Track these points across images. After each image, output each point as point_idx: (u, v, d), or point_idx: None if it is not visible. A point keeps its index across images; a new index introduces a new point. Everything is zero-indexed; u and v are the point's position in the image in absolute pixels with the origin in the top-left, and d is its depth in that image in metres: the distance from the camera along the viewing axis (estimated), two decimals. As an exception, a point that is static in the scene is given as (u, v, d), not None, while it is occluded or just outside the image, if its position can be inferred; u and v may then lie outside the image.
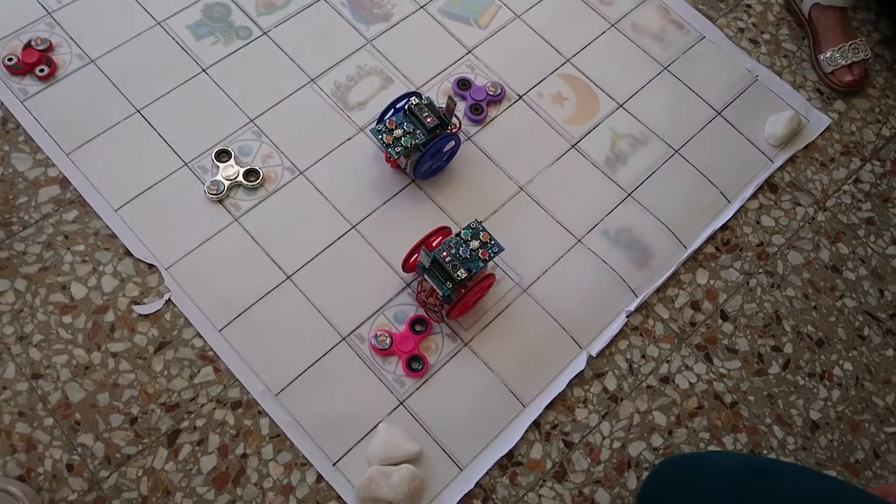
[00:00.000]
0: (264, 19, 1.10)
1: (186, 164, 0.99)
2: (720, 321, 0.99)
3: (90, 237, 0.94)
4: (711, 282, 1.01)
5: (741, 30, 1.21)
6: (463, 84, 1.09)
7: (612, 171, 1.06)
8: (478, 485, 0.86)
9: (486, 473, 0.86)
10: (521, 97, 1.10)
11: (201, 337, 0.90)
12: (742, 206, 1.06)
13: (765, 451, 0.92)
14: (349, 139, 1.04)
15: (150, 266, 0.93)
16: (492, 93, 1.08)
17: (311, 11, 1.12)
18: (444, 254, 0.88)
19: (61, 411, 0.84)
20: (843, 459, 0.93)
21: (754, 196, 1.07)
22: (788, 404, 0.95)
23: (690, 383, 0.95)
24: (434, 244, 0.92)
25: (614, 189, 1.05)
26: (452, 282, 0.87)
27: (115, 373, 0.87)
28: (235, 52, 1.07)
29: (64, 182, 0.97)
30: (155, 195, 0.97)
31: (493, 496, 0.86)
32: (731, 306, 1.00)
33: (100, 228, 0.94)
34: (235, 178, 0.98)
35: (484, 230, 0.90)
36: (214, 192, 0.97)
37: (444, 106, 0.97)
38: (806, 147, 1.12)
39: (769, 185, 1.09)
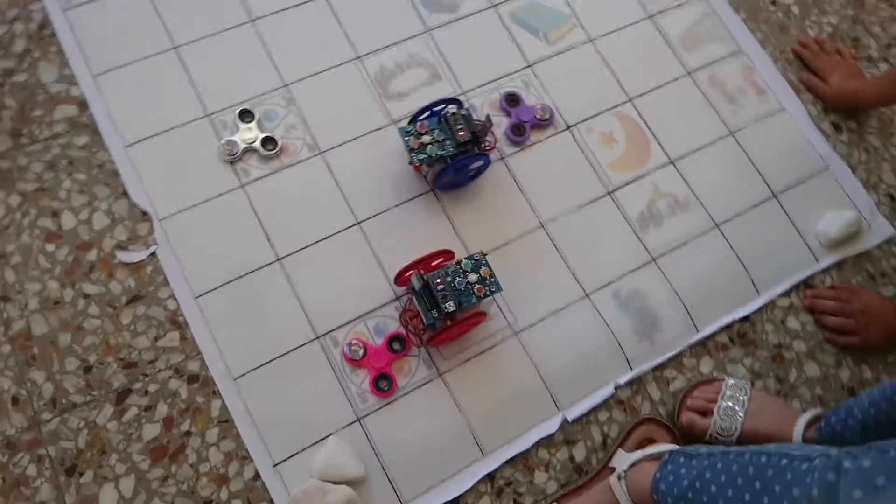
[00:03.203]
0: (326, -19, 1.05)
1: (208, 116, 0.95)
2: (712, 418, 0.92)
3: (94, 168, 0.91)
4: (715, 373, 0.94)
5: (827, 110, 1.11)
6: (512, 100, 1.02)
7: (642, 229, 0.99)
8: (413, 524, 0.83)
9: (425, 515, 0.83)
10: (569, 127, 1.03)
11: (175, 299, 0.87)
12: (770, 302, 0.98)
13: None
14: (378, 129, 0.98)
15: (145, 213, 0.90)
16: (539, 116, 1.01)
17: (376, -17, 1.06)
18: (438, 281, 0.83)
19: (21, 341, 0.83)
20: None
21: (787, 294, 0.99)
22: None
23: (661, 475, 0.89)
24: (434, 265, 0.87)
25: (639, 250, 0.98)
26: (440, 312, 0.82)
27: (82, 315, 0.85)
28: (289, 9, 1.02)
29: (83, 104, 0.93)
30: (168, 140, 0.93)
31: (426, 539, 0.83)
32: (727, 405, 0.93)
33: (105, 162, 0.91)
34: (253, 142, 0.94)
35: (486, 265, 0.85)
36: (228, 152, 0.93)
37: (482, 120, 0.90)
38: (859, 255, 1.03)
39: (806, 286, 1.00)
